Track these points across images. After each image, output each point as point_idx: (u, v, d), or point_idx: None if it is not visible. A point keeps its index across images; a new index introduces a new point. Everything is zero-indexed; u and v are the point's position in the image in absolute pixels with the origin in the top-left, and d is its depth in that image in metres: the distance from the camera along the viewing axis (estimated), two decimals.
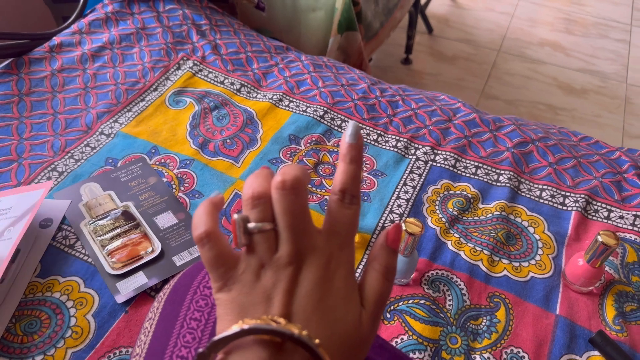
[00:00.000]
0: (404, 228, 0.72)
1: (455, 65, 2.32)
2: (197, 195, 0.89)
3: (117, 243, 0.81)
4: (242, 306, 0.33)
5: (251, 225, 0.33)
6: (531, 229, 0.88)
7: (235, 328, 0.30)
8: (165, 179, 0.91)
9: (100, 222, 0.84)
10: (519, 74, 2.30)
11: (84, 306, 0.74)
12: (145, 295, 0.76)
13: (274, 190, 0.33)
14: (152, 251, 0.80)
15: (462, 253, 0.84)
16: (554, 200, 0.93)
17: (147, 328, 0.54)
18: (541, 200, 0.93)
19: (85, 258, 0.80)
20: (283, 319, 0.31)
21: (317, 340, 0.31)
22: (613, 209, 0.91)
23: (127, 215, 0.85)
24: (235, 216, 0.33)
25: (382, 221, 0.88)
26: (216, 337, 0.31)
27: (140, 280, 0.77)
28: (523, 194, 0.94)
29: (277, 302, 0.32)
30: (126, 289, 0.76)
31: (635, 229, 0.87)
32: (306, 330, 0.31)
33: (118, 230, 0.83)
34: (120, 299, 0.75)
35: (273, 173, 0.35)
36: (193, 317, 0.52)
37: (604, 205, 0.92)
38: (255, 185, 0.34)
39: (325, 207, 0.34)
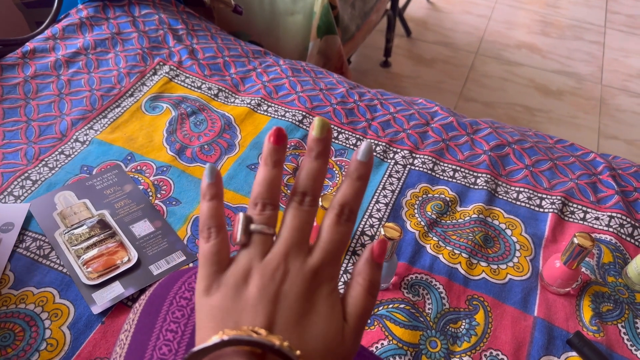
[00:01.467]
0: (382, 233, 0.72)
1: (433, 67, 2.33)
2: (174, 203, 0.88)
3: (93, 252, 0.80)
4: (224, 313, 0.32)
5: (254, 226, 0.33)
6: (509, 232, 0.89)
7: (215, 339, 0.30)
8: (141, 187, 0.90)
9: (75, 231, 0.83)
10: (496, 76, 2.33)
11: (59, 317, 0.73)
12: (122, 306, 0.75)
13: (292, 204, 0.34)
14: (129, 260, 0.79)
15: (440, 256, 0.84)
16: (530, 202, 0.94)
17: (123, 340, 0.53)
18: (518, 203, 0.94)
19: (60, 268, 0.78)
20: (264, 330, 0.31)
21: (298, 352, 0.31)
22: (589, 210, 0.92)
23: (102, 224, 0.84)
24: (241, 214, 0.34)
25: (361, 226, 0.88)
26: (195, 349, 0.30)
27: (116, 290, 0.76)
28: (500, 197, 0.94)
29: (260, 313, 0.32)
30: (102, 299, 0.75)
31: (611, 229, 0.89)
32: (287, 342, 0.31)
33: (93, 240, 0.81)
34: (96, 309, 0.74)
35: (281, 175, 0.35)
36: (169, 328, 0.51)
37: (580, 207, 0.93)
38: (269, 188, 0.34)
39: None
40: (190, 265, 0.80)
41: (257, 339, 0.30)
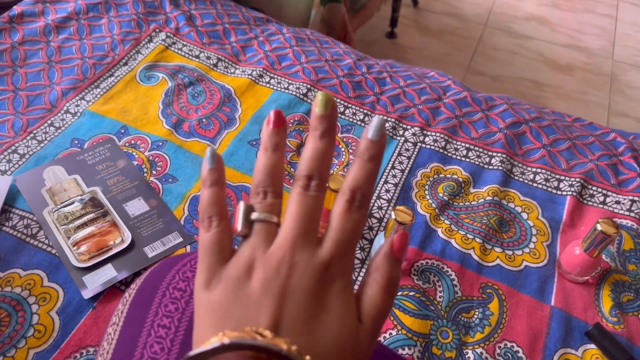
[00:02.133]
0: (393, 217, 0.68)
1: (440, 39, 2.26)
2: (170, 180, 0.83)
3: (84, 233, 0.75)
4: (224, 310, 0.29)
5: (255, 214, 0.31)
6: (524, 215, 0.84)
7: (214, 342, 0.27)
8: (135, 162, 0.85)
9: (65, 209, 0.77)
10: (505, 49, 2.25)
11: (47, 302, 0.69)
12: (114, 290, 0.70)
13: (296, 189, 0.31)
14: (122, 242, 0.74)
15: (452, 241, 0.79)
16: (548, 184, 0.89)
17: (111, 335, 0.48)
18: (535, 185, 0.89)
19: (49, 249, 0.73)
20: (269, 331, 0.28)
21: (307, 357, 0.27)
22: (609, 193, 0.87)
23: (94, 202, 0.79)
24: (242, 203, 0.31)
25: (370, 208, 0.83)
26: (192, 353, 0.27)
27: (108, 273, 0.71)
28: (516, 178, 0.89)
29: (265, 311, 0.28)
30: (93, 283, 0.70)
31: (632, 214, 0.84)
32: (295, 346, 0.27)
33: (84, 219, 0.76)
34: (87, 294, 0.69)
35: (282, 160, 0.33)
36: (161, 323, 0.46)
37: (599, 190, 0.88)
38: (270, 175, 0.32)
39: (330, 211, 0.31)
40: (187, 249, 0.75)
41: (261, 343, 0.26)
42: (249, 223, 0.31)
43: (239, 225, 0.31)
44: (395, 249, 0.31)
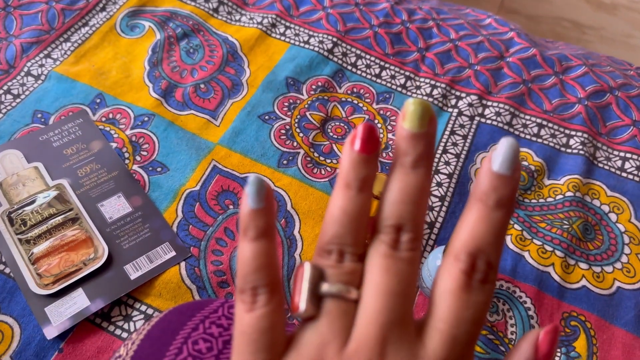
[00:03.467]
0: None
1: None
2: (159, 170, 0.64)
3: (47, 245, 0.57)
4: None
5: (327, 286, 0.21)
6: (613, 216, 0.66)
7: None
8: (114, 144, 0.65)
9: (23, 210, 0.59)
10: None
11: None
12: (87, 325, 0.54)
13: (380, 247, 0.21)
14: (96, 258, 0.57)
15: (526, 254, 0.61)
16: None
17: None
18: (624, 175, 0.69)
19: (1, 267, 0.56)
20: None
21: None
22: None
23: (60, 200, 0.60)
24: (307, 265, 0.22)
25: None
26: None
27: (79, 302, 0.54)
28: (600, 165, 0.70)
29: None
30: (59, 316, 0.53)
31: None
32: None
33: (48, 224, 0.58)
34: (50, 332, 0.52)
35: (370, 203, 0.22)
36: None
37: None
38: (352, 226, 0.22)
39: (432, 285, 0.20)
40: (182, 267, 0.57)
41: None
42: (317, 298, 0.21)
43: (302, 301, 0.21)
44: (543, 355, 0.21)
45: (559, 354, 0.56)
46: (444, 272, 0.21)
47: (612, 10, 1.97)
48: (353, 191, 0.22)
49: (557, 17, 1.92)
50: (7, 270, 0.56)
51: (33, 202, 0.60)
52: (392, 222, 0.21)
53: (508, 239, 0.62)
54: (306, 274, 0.22)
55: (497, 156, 0.21)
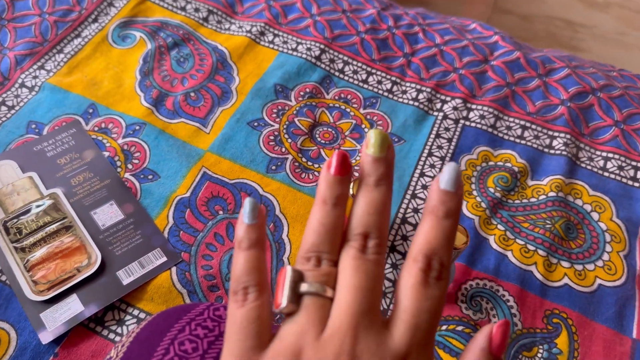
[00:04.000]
0: None
1: None
2: (150, 177, 0.65)
3: (41, 252, 0.59)
4: None
5: (306, 286, 0.25)
6: (595, 215, 0.67)
7: None
8: (106, 153, 0.67)
9: (19, 219, 0.61)
10: None
11: None
12: (81, 329, 0.55)
13: (350, 251, 0.25)
14: (89, 264, 0.58)
15: (509, 254, 0.63)
16: (622, 173, 0.71)
17: None
18: (606, 174, 0.71)
19: None
20: None
21: None
22: None
23: (54, 209, 0.62)
24: (289, 269, 0.25)
25: (402, 211, 0.66)
26: None
27: (73, 307, 0.56)
28: (583, 165, 0.71)
29: None
30: (54, 322, 0.55)
31: None
32: None
33: (42, 233, 0.60)
34: (46, 337, 0.54)
35: (344, 217, 0.27)
36: None
37: None
38: (328, 236, 0.26)
39: (396, 283, 0.22)
40: (173, 272, 0.59)
41: None
42: (297, 296, 0.25)
43: (284, 298, 0.25)
44: (496, 345, 0.25)
45: (541, 351, 0.57)
46: (405, 272, 0.25)
47: (605, 8, 1.98)
48: (329, 206, 0.26)
49: (550, 16, 1.93)
50: (3, 278, 0.57)
51: (28, 211, 0.62)
52: (359, 230, 0.26)
53: (491, 239, 0.64)
54: (288, 275, 0.25)
55: (443, 177, 0.26)
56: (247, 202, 0.27)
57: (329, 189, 0.27)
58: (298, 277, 0.25)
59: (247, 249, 0.27)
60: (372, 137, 0.27)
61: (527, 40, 1.81)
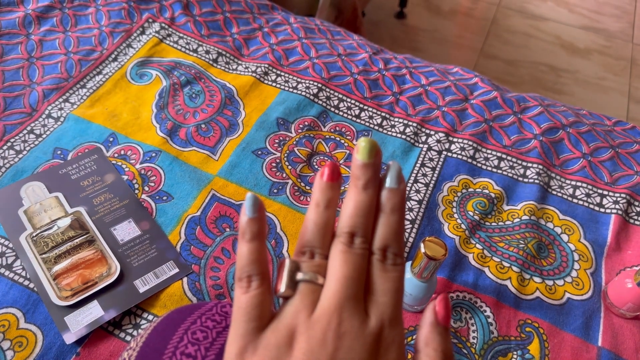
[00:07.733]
0: (422, 250, 0.58)
1: (452, 20, 2.13)
2: (165, 198, 0.73)
3: (66, 263, 0.65)
4: None
5: (301, 274, 0.29)
6: (565, 237, 0.75)
7: None
8: (125, 177, 0.75)
9: (45, 234, 0.68)
10: (520, 32, 2.14)
11: (23, 347, 0.59)
12: (100, 332, 0.61)
13: (339, 246, 0.29)
14: (109, 274, 0.65)
15: (486, 270, 0.70)
16: (589, 200, 0.79)
17: None
18: (575, 201, 0.79)
19: (26, 282, 0.64)
20: None
21: None
22: None
23: (78, 225, 0.69)
24: (288, 260, 0.30)
25: None
26: None
27: (94, 312, 0.62)
28: (554, 193, 0.79)
29: None
30: (77, 325, 0.61)
31: None
32: None
33: (67, 246, 0.67)
34: (69, 337, 0.60)
35: (334, 218, 0.31)
36: None
37: None
38: (320, 234, 0.30)
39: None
40: (184, 282, 0.65)
41: None
42: (293, 283, 0.29)
43: (282, 285, 0.29)
44: (441, 317, 0.29)
45: (515, 356, 0.63)
46: (370, 264, 0.29)
47: (586, 54, 2.08)
48: (321, 208, 0.30)
49: (534, 62, 2.03)
50: (32, 285, 0.64)
51: (54, 226, 0.69)
52: (347, 229, 0.29)
53: (470, 256, 0.71)
54: (287, 265, 0.29)
55: (387, 176, 0.30)
56: (248, 197, 0.30)
57: (322, 194, 0.30)
58: (295, 267, 0.29)
59: (250, 240, 0.30)
60: (362, 144, 0.30)
61: (513, 84, 1.91)
